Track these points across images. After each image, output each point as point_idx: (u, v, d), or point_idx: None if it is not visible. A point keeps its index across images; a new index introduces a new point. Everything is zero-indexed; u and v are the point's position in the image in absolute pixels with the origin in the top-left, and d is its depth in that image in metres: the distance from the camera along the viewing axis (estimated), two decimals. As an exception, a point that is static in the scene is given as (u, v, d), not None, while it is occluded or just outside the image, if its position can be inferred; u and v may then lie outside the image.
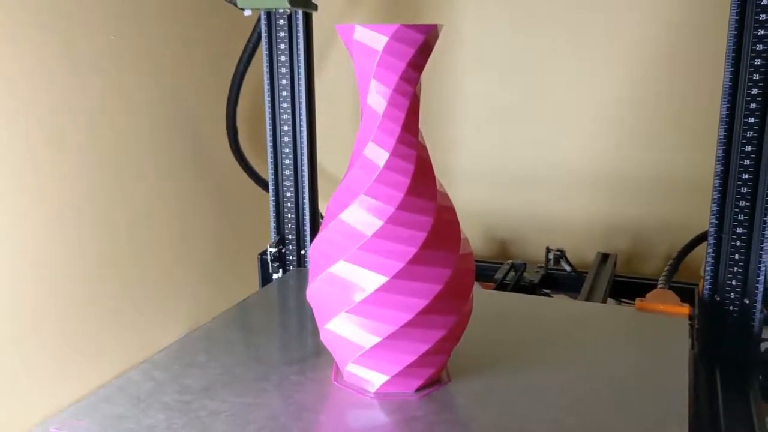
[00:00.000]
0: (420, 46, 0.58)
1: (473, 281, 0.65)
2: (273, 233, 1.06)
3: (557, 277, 1.18)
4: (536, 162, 1.41)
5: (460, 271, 0.62)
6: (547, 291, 1.19)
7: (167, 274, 1.18)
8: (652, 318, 0.82)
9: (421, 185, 0.60)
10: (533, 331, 0.79)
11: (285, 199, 1.05)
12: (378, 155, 0.60)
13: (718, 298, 0.86)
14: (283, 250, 1.06)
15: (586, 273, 1.18)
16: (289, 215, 1.05)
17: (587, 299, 1.06)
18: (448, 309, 0.62)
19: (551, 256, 1.18)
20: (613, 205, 1.39)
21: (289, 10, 0.98)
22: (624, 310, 0.84)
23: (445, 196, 0.64)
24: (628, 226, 1.39)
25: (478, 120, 1.43)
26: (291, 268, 1.06)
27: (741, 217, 0.84)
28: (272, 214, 1.06)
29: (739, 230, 0.84)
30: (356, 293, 0.59)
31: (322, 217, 1.20)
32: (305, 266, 1.05)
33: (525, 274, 1.15)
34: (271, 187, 1.05)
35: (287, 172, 1.04)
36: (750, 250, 0.84)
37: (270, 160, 1.04)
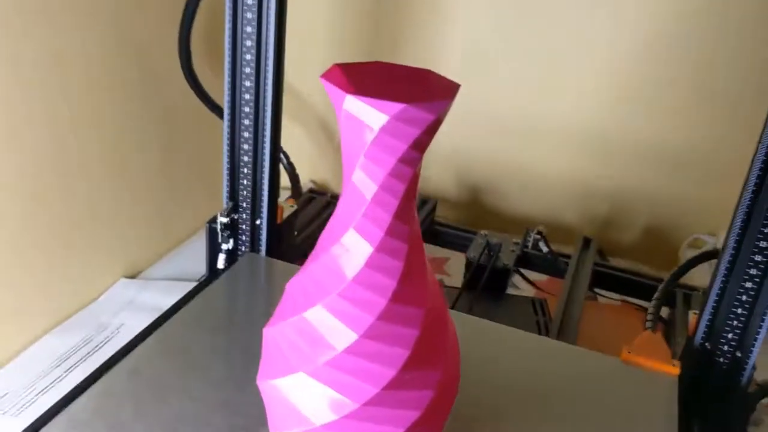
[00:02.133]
0: (428, 126, 0.44)
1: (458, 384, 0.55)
2: (225, 198, 0.93)
3: (532, 258, 1.09)
4: (522, 111, 1.29)
5: (445, 387, 0.52)
6: (523, 272, 1.10)
7: (104, 208, 1.05)
8: (638, 374, 0.74)
9: (409, 288, 0.49)
10: (511, 382, 0.71)
11: (242, 140, 0.90)
12: (359, 248, 0.47)
13: (709, 346, 0.79)
14: (235, 217, 0.93)
15: (563, 255, 1.09)
16: (245, 170, 0.91)
17: (570, 290, 0.98)
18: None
19: (530, 238, 1.08)
20: (597, 167, 1.29)
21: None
22: (610, 361, 0.76)
23: (436, 290, 0.52)
24: (608, 192, 1.29)
25: (465, 54, 1.27)
26: (243, 238, 0.94)
27: (754, 272, 0.74)
28: (225, 171, 0.92)
29: (748, 285, 0.75)
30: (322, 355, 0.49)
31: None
32: (259, 243, 0.93)
33: (500, 254, 1.06)
34: (225, 133, 0.89)
35: (246, 109, 0.89)
36: (755, 304, 0.76)
37: (227, 91, 0.87)
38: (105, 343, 0.96)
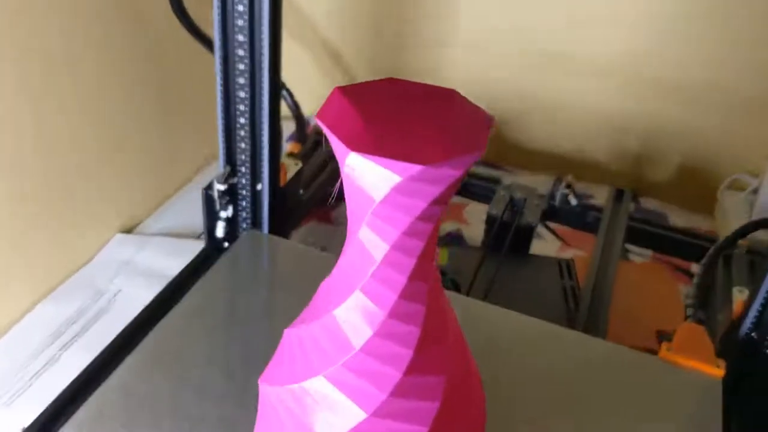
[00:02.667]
0: (453, 183, 0.35)
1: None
2: (222, 161, 0.84)
3: (560, 212, 1.00)
4: (551, 39, 1.16)
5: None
6: (550, 226, 1.02)
7: (94, 159, 0.97)
8: (678, 374, 0.67)
9: (427, 355, 0.41)
10: (541, 384, 0.64)
11: (237, 73, 0.79)
12: (367, 313, 0.39)
13: (756, 337, 0.72)
14: (234, 182, 0.84)
15: (593, 208, 1.00)
16: (242, 120, 0.81)
17: (604, 247, 0.91)
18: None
19: (558, 192, 0.99)
20: (631, 102, 1.17)
21: None
22: (647, 359, 0.69)
23: (459, 343, 0.44)
24: (642, 128, 1.19)
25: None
26: (244, 204, 0.85)
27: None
28: (220, 127, 0.82)
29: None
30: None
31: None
32: (261, 212, 0.85)
33: (524, 210, 0.97)
34: (218, 69, 0.78)
35: (240, 38, 0.77)
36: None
37: (217, 19, 0.76)
38: (101, 314, 0.90)
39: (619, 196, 1.00)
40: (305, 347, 0.42)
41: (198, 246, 0.91)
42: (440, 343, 0.41)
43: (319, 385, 0.41)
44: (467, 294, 0.86)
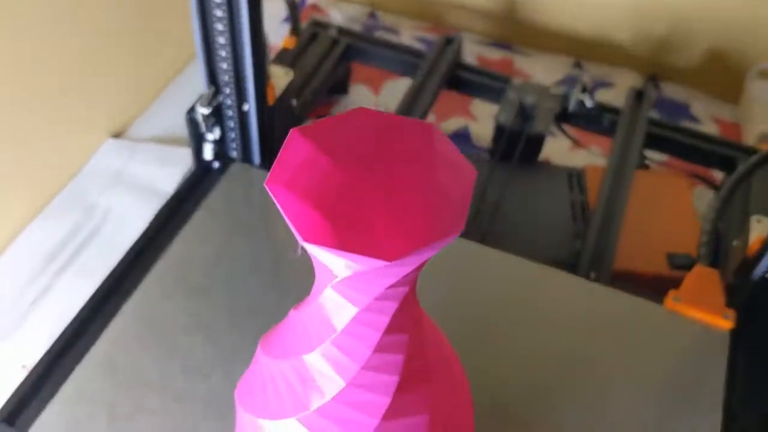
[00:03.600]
0: (426, 260, 0.30)
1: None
2: (204, 81, 0.77)
3: (574, 115, 0.93)
4: None
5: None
6: (565, 129, 0.95)
7: (79, 62, 0.90)
8: (686, 324, 0.64)
9: (407, 399, 0.38)
10: (541, 331, 0.62)
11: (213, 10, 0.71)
12: (340, 366, 0.36)
13: (771, 278, 0.68)
14: (218, 102, 0.78)
15: (610, 110, 0.93)
16: (221, 27, 0.73)
17: (620, 154, 0.85)
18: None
19: (572, 97, 0.91)
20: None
21: None
22: (652, 308, 0.65)
23: (449, 374, 0.41)
24: (666, 9, 1.08)
25: None
26: (231, 124, 0.79)
27: None
28: (199, 46, 0.74)
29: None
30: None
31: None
32: (249, 136, 0.79)
33: (535, 116, 0.90)
34: None
35: None
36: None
37: None
38: (93, 236, 0.87)
39: (639, 96, 0.92)
40: (276, 384, 0.39)
41: (188, 155, 0.86)
42: (424, 382, 0.38)
43: (292, 426, 0.38)
44: (474, 215, 0.82)
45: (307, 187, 0.29)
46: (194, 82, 0.94)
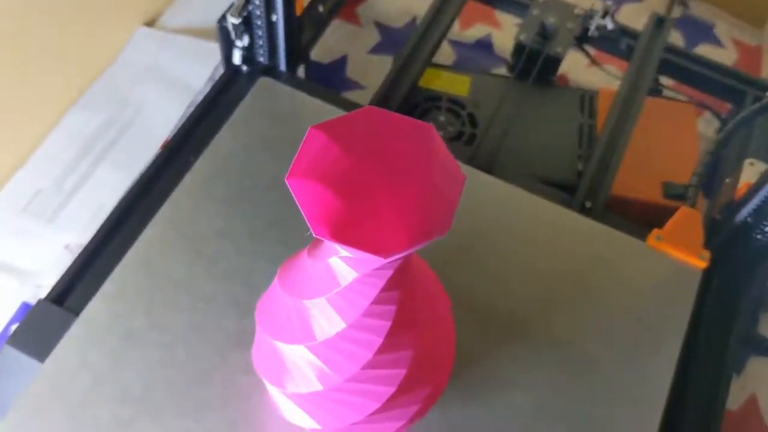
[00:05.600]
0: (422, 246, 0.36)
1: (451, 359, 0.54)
2: (235, -10, 0.79)
3: (594, 38, 0.95)
4: None
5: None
6: (584, 48, 0.97)
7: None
8: (663, 261, 0.71)
9: (396, 340, 0.45)
10: (523, 258, 0.69)
11: None
12: (342, 310, 0.43)
13: (751, 221, 0.74)
14: (248, 11, 0.81)
15: (631, 34, 0.95)
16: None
17: (633, 80, 0.89)
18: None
19: (593, 20, 0.92)
20: None
21: None
22: (634, 244, 0.71)
23: (433, 311, 0.48)
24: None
25: None
26: (260, 33, 0.83)
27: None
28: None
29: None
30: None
31: None
32: (276, 46, 0.82)
33: (555, 37, 0.92)
34: None
35: None
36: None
37: None
38: (128, 126, 0.93)
39: (660, 23, 0.93)
40: (290, 315, 0.47)
41: (217, 51, 0.91)
42: (411, 325, 0.46)
43: (300, 351, 0.46)
44: (483, 134, 0.87)
45: (319, 182, 0.35)
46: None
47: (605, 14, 0.92)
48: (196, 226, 0.68)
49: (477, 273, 0.67)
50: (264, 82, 0.79)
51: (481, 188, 0.74)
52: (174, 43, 1.01)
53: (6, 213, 0.85)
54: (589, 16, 0.94)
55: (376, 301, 0.42)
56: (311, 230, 0.34)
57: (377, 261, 0.36)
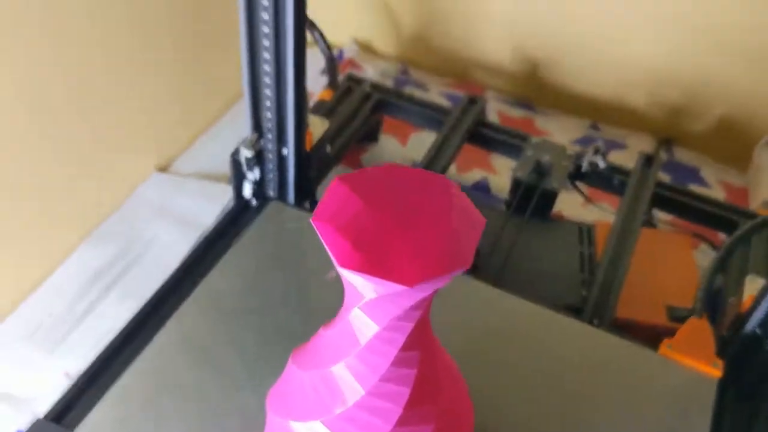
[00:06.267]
0: (436, 290, 0.37)
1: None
2: (250, 127, 0.85)
3: (587, 174, 1.00)
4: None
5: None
6: (578, 186, 1.02)
7: (129, 98, 0.99)
8: (677, 370, 0.70)
9: (417, 411, 0.44)
10: (540, 372, 0.68)
11: (261, 66, 0.80)
12: (361, 376, 0.42)
13: (760, 333, 0.74)
14: (261, 146, 0.86)
15: (622, 171, 1.00)
16: (268, 92, 0.82)
17: (627, 213, 0.92)
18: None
19: (585, 159, 0.98)
20: (673, 51, 1.13)
21: None
22: (647, 355, 0.71)
23: (454, 388, 0.47)
24: (682, 78, 1.15)
25: None
26: (270, 166, 0.87)
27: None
28: (247, 93, 0.83)
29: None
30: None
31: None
32: (286, 178, 0.87)
33: (550, 173, 0.97)
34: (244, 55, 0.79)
35: (265, 16, 0.76)
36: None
37: None
38: (138, 260, 0.95)
39: (649, 160, 0.99)
40: (305, 390, 0.46)
41: (229, 191, 0.94)
42: (432, 396, 0.45)
43: (317, 428, 0.45)
44: (486, 259, 0.89)
45: (344, 223, 0.36)
46: (238, 123, 1.03)
47: (596, 152, 0.97)
48: (204, 335, 0.68)
49: (488, 383, 0.66)
50: (274, 205, 0.82)
51: (491, 300, 0.74)
52: (186, 185, 1.06)
53: (9, 341, 0.84)
54: (581, 154, 1.00)
55: (396, 362, 0.42)
56: (335, 262, 0.35)
57: (399, 301, 0.37)
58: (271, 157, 0.87)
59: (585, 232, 0.97)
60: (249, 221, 0.85)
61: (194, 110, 1.14)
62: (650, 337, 0.83)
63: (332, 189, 0.39)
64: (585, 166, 0.98)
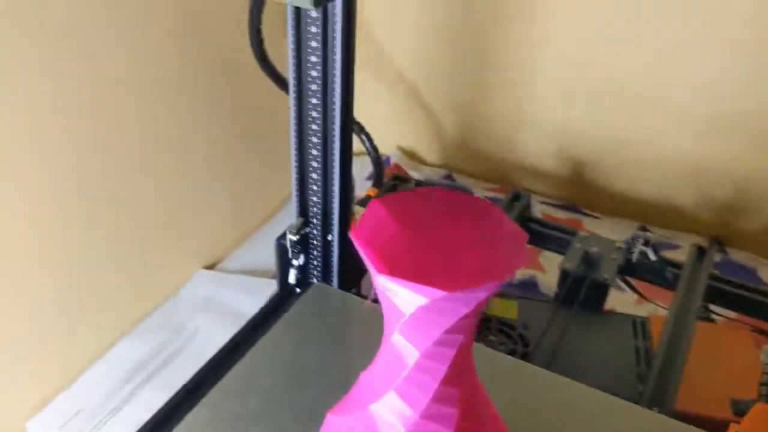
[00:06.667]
0: (481, 303, 0.35)
1: None
2: (296, 212, 0.86)
3: (637, 266, 0.98)
4: (637, 81, 1.13)
5: None
6: (628, 281, 0.99)
7: (179, 198, 1.02)
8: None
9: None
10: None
11: (309, 152, 0.82)
12: (401, 415, 0.40)
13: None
14: (306, 232, 0.87)
15: (673, 264, 0.97)
16: (314, 174, 0.84)
17: (681, 305, 0.88)
18: None
19: (635, 248, 0.96)
20: (721, 150, 1.13)
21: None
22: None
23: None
24: (731, 177, 1.14)
25: (567, 17, 1.12)
26: (315, 252, 0.88)
27: None
28: (294, 180, 0.85)
29: None
30: None
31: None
32: (330, 263, 0.87)
33: (600, 264, 0.95)
34: (293, 147, 0.81)
35: (315, 114, 0.79)
36: None
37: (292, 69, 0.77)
38: (179, 352, 0.94)
39: (701, 253, 0.96)
40: (343, 437, 0.43)
41: (273, 285, 0.94)
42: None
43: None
44: (535, 350, 0.85)
45: (384, 234, 0.36)
46: (286, 224, 1.04)
47: (646, 243, 0.95)
48: (239, 410, 0.66)
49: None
50: (318, 286, 0.82)
51: (545, 385, 0.71)
52: (231, 281, 1.06)
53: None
54: (630, 246, 0.98)
55: (437, 398, 0.39)
56: (373, 271, 0.34)
57: (438, 317, 0.35)
58: (315, 243, 0.87)
59: (639, 324, 0.93)
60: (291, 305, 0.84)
61: (243, 211, 1.17)
62: (711, 430, 0.78)
63: (369, 210, 0.38)
64: (635, 257, 0.96)
